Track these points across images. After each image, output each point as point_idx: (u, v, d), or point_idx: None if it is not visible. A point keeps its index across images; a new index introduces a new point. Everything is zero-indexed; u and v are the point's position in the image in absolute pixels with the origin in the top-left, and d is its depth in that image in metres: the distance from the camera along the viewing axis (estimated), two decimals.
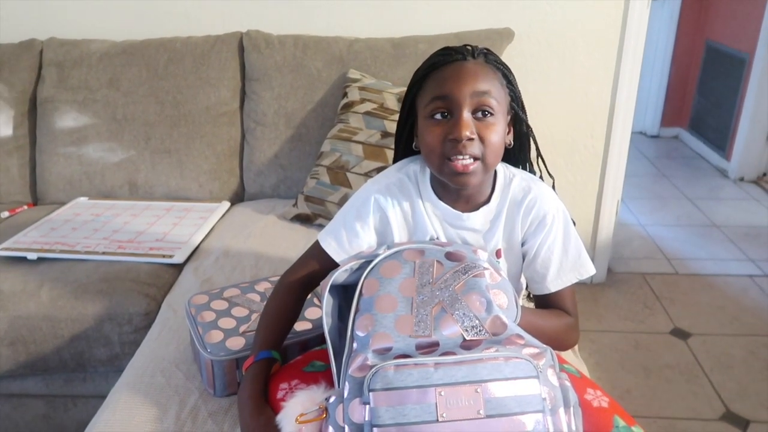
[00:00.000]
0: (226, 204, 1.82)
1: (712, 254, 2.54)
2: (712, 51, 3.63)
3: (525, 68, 1.97)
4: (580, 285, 2.28)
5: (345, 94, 1.72)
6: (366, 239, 0.92)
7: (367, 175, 1.58)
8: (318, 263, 0.94)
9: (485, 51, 0.87)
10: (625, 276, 2.37)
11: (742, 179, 3.32)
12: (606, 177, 2.13)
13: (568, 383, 0.72)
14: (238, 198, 1.90)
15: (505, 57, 1.85)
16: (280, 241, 1.56)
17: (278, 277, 1.21)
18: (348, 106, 1.69)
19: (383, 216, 0.92)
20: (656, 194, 3.19)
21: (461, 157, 0.81)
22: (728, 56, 3.43)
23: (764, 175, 3.32)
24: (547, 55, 1.97)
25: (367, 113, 1.65)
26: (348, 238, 0.92)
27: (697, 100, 3.83)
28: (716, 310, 2.14)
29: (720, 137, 3.52)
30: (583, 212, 2.19)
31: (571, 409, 0.71)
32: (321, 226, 1.59)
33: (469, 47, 0.86)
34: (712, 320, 2.08)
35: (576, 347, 1.18)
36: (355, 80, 1.73)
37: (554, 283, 0.92)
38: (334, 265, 0.88)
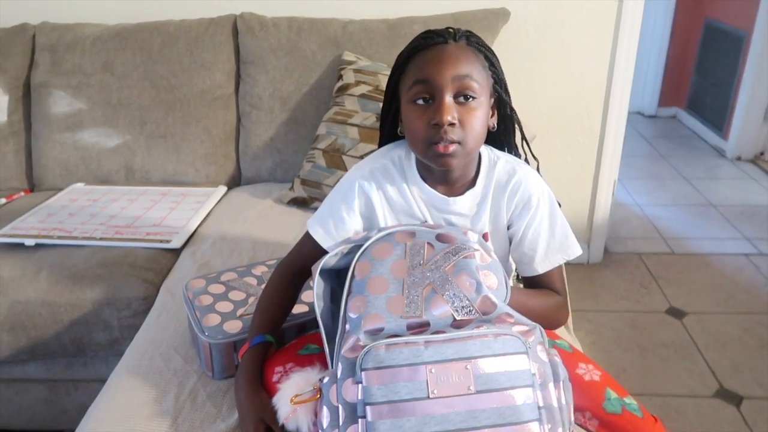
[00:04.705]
0: (223, 188, 1.82)
1: (708, 233, 2.55)
2: (710, 29, 3.60)
3: (521, 48, 1.96)
4: (576, 265, 2.29)
5: (340, 77, 1.71)
6: (352, 225, 0.93)
7: (363, 158, 1.57)
8: (310, 250, 0.95)
9: (467, 33, 0.86)
10: (622, 256, 2.38)
11: (739, 158, 3.31)
12: (603, 157, 2.12)
13: (557, 359, 0.73)
14: (234, 182, 1.90)
15: (501, 37, 1.84)
16: (277, 225, 1.57)
17: (275, 261, 1.22)
18: (343, 89, 1.68)
19: (368, 201, 0.92)
20: (653, 174, 3.19)
21: (443, 142, 0.81)
22: (727, 34, 3.40)
23: (761, 154, 3.31)
24: (543, 35, 1.96)
25: (363, 96, 1.65)
26: (335, 225, 0.93)
27: (695, 79, 3.81)
28: (712, 288, 2.15)
29: (718, 116, 3.50)
30: (580, 193, 2.20)
31: (561, 383, 0.72)
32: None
33: (451, 30, 0.85)
34: (708, 299, 2.09)
35: (570, 325, 1.20)
36: (350, 62, 1.72)
37: (542, 264, 0.93)
38: (325, 252, 0.89)
